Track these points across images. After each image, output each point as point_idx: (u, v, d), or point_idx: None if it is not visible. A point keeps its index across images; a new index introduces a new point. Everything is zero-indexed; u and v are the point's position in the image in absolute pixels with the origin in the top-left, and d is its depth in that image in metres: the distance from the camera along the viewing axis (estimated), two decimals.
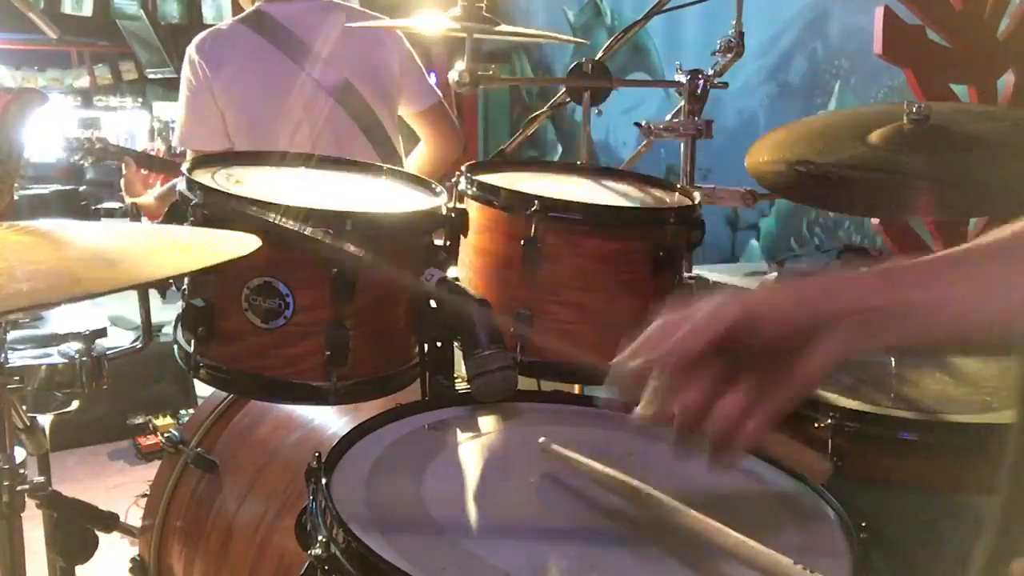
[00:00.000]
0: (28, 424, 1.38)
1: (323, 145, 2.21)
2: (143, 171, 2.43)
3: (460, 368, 1.18)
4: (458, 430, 1.05)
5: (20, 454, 1.37)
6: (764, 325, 0.72)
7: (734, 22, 1.77)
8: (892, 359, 1.45)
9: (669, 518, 0.83)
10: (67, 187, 6.00)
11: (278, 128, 2.21)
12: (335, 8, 2.32)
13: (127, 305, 3.07)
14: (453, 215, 1.28)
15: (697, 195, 1.39)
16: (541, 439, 0.98)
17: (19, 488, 1.33)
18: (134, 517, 1.63)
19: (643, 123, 1.79)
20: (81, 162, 2.56)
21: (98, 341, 1.48)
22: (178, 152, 2.55)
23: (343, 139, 2.24)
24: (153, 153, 2.63)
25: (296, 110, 2.21)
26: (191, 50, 2.23)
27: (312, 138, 2.23)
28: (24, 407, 1.38)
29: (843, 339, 0.71)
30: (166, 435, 1.54)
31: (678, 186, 1.48)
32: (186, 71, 2.24)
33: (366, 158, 2.10)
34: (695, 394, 0.73)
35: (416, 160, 2.44)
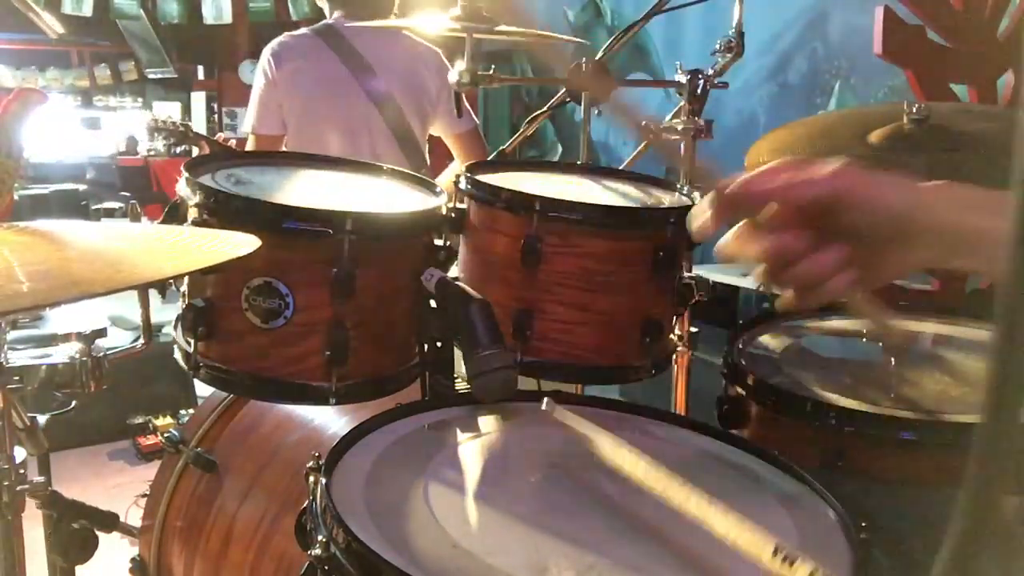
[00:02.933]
0: (28, 424, 1.38)
1: (360, 145, 2.60)
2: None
3: (460, 368, 1.18)
4: (458, 430, 1.05)
5: (20, 454, 1.37)
6: (864, 210, 0.73)
7: (734, 22, 1.77)
8: (892, 359, 1.45)
9: (672, 501, 0.83)
10: (67, 187, 6.00)
11: (324, 125, 2.59)
12: (394, 32, 2.67)
13: (127, 305, 3.07)
14: (453, 215, 1.28)
15: (697, 195, 1.39)
16: (545, 401, 0.99)
17: (19, 488, 1.33)
18: (134, 517, 1.63)
19: (643, 123, 1.79)
20: (164, 142, 3.16)
21: (98, 341, 1.48)
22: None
23: (378, 143, 2.62)
24: (221, 141, 3.20)
25: (342, 110, 2.60)
26: (266, 49, 2.64)
27: (351, 137, 2.60)
28: (24, 407, 1.38)
29: (929, 254, 0.73)
30: (166, 435, 1.54)
31: (678, 186, 1.47)
32: (259, 67, 2.65)
33: (396, 162, 2.47)
34: (794, 238, 0.74)
35: (450, 174, 2.74)
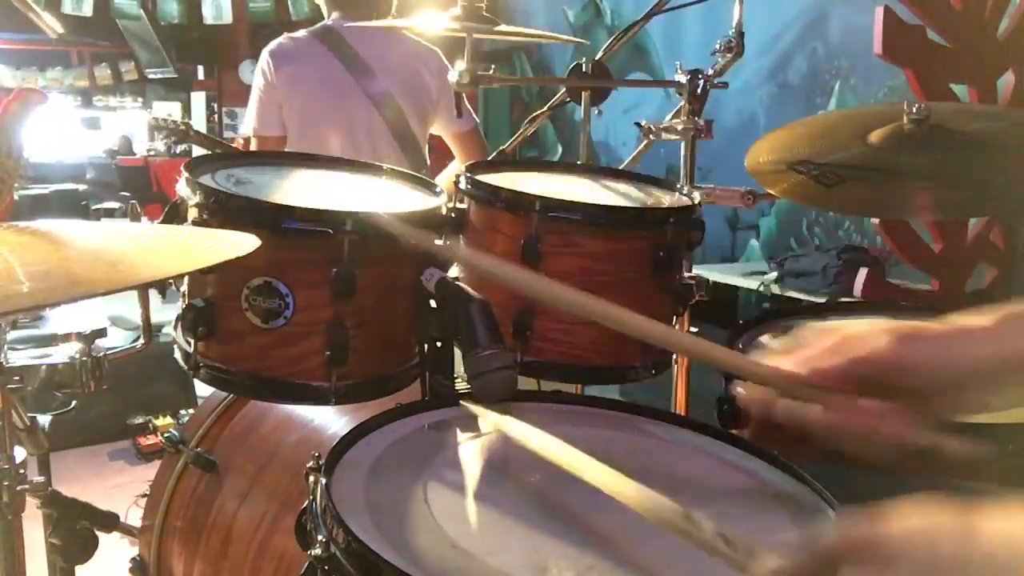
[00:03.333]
0: (28, 424, 1.38)
1: (360, 145, 2.60)
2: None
3: (460, 368, 1.18)
4: (458, 430, 1.05)
5: (20, 454, 1.37)
6: (903, 376, 0.79)
7: (734, 22, 1.77)
8: None
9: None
10: (67, 187, 6.01)
11: (324, 126, 2.61)
12: (392, 32, 2.68)
13: (127, 305, 3.08)
14: (453, 215, 1.28)
15: (697, 195, 1.39)
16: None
17: (19, 488, 1.33)
18: (134, 517, 1.63)
19: (643, 123, 1.79)
20: (165, 141, 3.28)
21: (98, 341, 1.48)
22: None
23: (377, 143, 2.63)
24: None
25: (341, 111, 2.62)
26: (265, 51, 2.65)
27: (351, 137, 2.61)
28: (24, 407, 1.38)
29: (960, 406, 0.80)
30: (166, 435, 1.54)
31: (678, 186, 1.47)
32: (258, 69, 2.66)
33: (395, 162, 2.44)
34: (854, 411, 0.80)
35: (450, 174, 2.77)
